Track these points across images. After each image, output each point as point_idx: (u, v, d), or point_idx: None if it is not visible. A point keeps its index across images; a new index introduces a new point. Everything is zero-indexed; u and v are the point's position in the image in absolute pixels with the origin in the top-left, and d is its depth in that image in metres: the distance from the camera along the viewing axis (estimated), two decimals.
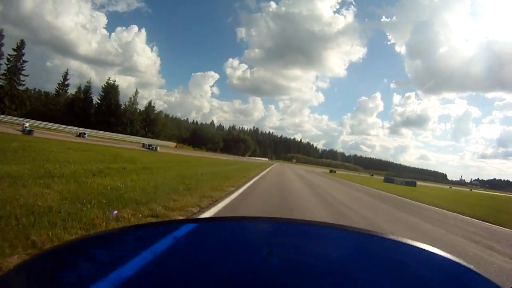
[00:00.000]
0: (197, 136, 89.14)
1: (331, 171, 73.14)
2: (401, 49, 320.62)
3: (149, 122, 66.10)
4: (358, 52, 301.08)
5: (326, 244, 0.54)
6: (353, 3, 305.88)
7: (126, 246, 0.55)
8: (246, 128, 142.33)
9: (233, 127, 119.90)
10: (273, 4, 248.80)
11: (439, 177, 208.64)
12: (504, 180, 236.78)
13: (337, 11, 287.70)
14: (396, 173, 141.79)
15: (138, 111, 65.52)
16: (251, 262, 0.48)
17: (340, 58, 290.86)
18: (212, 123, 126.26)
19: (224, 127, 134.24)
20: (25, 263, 0.57)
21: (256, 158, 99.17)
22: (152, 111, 70.11)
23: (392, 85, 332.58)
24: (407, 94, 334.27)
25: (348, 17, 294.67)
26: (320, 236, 0.56)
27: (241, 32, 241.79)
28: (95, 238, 0.62)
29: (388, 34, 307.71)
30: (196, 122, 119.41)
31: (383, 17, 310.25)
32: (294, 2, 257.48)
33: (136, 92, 67.48)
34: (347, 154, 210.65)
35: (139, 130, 62.14)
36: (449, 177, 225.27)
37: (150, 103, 71.80)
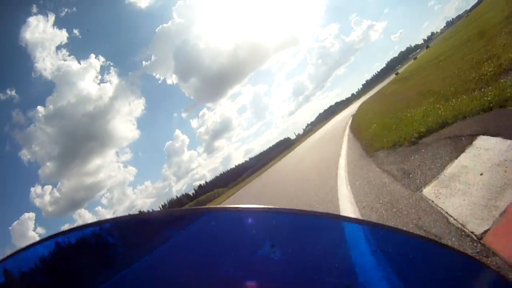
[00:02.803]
0: None
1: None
2: (172, 79, 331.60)
3: None
4: (138, 106, 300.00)
5: (333, 237, 0.49)
6: (111, 64, 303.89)
7: (122, 239, 0.51)
8: None
9: None
10: (40, 109, 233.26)
11: (287, 142, 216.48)
12: (326, 109, 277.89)
13: (101, 81, 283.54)
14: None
15: None
16: (252, 257, 0.45)
17: (126, 121, 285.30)
18: None
19: None
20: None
21: None
22: None
23: (183, 115, 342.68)
24: (200, 113, 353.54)
25: (113, 79, 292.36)
26: (326, 229, 0.50)
27: (25, 155, 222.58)
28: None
29: (155, 74, 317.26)
30: None
31: (143, 62, 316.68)
32: (59, 95, 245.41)
33: None
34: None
35: None
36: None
37: None
